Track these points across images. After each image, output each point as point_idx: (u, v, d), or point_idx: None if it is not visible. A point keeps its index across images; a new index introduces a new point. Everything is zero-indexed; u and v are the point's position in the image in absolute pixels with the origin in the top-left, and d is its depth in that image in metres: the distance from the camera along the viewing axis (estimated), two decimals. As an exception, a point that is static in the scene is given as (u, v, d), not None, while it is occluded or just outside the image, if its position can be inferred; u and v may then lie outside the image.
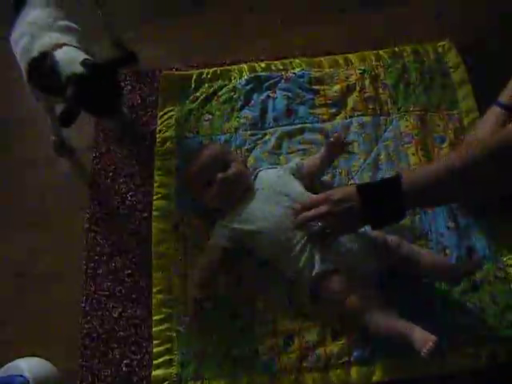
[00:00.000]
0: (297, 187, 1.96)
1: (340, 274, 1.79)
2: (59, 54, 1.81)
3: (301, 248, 1.83)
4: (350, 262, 1.81)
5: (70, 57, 1.82)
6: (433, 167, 1.63)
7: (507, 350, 1.81)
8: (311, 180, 2.06)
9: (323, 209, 1.69)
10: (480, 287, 1.91)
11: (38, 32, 1.89)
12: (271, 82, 2.37)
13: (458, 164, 1.57)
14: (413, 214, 2.02)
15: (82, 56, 1.83)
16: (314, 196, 1.79)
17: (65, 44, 1.85)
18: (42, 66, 1.84)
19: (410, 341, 1.63)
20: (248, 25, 2.68)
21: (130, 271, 2.06)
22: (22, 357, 1.90)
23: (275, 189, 1.94)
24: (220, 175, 1.95)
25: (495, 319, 1.86)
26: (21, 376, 1.78)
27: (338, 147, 2.04)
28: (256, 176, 2.03)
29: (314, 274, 1.81)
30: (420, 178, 1.61)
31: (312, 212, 1.72)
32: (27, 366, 1.84)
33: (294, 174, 2.02)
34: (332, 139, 2.02)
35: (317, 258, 1.81)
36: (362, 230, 1.81)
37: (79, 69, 1.78)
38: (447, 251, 1.97)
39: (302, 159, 2.14)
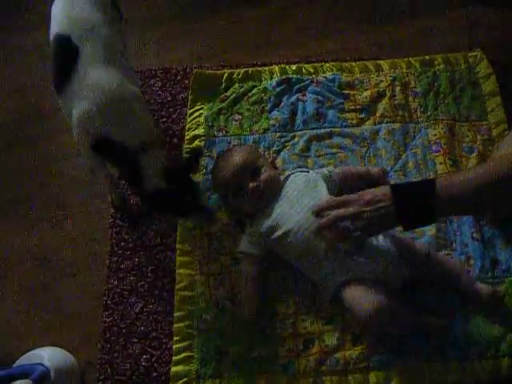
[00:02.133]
0: (324, 192, 1.95)
1: (363, 283, 1.79)
2: (145, 160, 1.77)
3: (326, 254, 1.83)
4: (374, 272, 1.80)
5: (156, 166, 1.78)
6: (469, 175, 1.62)
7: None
8: (340, 189, 2.04)
9: (353, 209, 1.67)
10: (505, 298, 1.89)
11: (105, 101, 1.75)
12: (302, 84, 2.38)
13: (494, 175, 1.57)
14: (439, 222, 2.01)
15: (163, 159, 1.81)
16: (344, 196, 1.75)
17: (147, 144, 1.80)
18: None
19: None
20: (280, 27, 2.69)
21: (153, 267, 2.07)
22: (44, 346, 1.92)
23: (303, 193, 1.94)
24: (251, 184, 1.94)
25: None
26: (41, 365, 1.79)
27: (382, 178, 2.04)
28: (287, 179, 2.03)
29: (337, 281, 1.82)
30: (455, 185, 1.60)
31: (342, 210, 1.69)
32: (48, 355, 1.86)
33: (324, 180, 2.01)
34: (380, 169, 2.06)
35: (341, 265, 1.82)
36: (391, 234, 1.82)
37: (162, 184, 1.76)
38: (471, 261, 1.96)
39: (328, 163, 2.16)
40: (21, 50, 2.71)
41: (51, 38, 1.87)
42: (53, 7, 1.92)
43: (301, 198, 1.92)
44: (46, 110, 2.49)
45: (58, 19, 1.86)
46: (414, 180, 2.11)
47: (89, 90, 1.74)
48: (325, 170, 2.06)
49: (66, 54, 1.80)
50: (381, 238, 1.86)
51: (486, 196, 1.60)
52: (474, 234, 2.00)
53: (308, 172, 2.06)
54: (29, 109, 2.51)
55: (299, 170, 2.09)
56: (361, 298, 1.76)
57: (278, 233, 1.89)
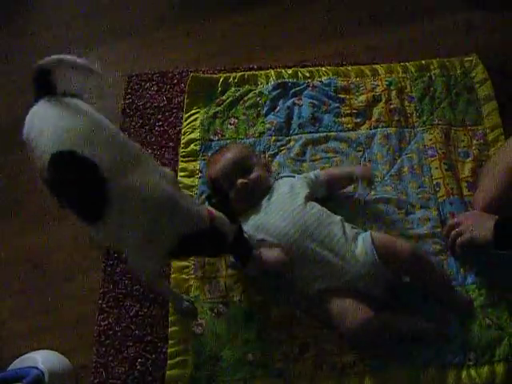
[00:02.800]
0: (299, 201, 1.95)
1: (346, 294, 1.80)
2: (221, 226, 1.69)
3: (303, 263, 1.85)
4: (354, 279, 1.82)
5: (225, 221, 1.71)
6: None
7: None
8: (329, 190, 2.07)
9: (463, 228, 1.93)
10: (498, 304, 1.90)
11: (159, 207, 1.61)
12: (297, 88, 2.39)
13: None
14: (436, 227, 2.04)
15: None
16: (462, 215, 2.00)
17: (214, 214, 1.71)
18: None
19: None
20: (277, 32, 2.70)
21: (148, 271, 2.06)
22: (38, 349, 1.91)
23: (284, 201, 1.95)
24: (240, 181, 1.96)
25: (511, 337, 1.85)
26: (36, 368, 1.78)
27: (365, 174, 2.06)
28: (273, 184, 2.04)
29: (316, 288, 1.84)
30: None
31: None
32: (42, 358, 1.85)
33: (309, 184, 2.02)
34: (363, 167, 2.07)
35: (318, 273, 1.84)
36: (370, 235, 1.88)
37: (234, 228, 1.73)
38: (467, 266, 1.97)
39: (324, 168, 2.17)
40: (21, 50, 2.72)
41: (43, 160, 1.58)
42: (32, 121, 1.67)
43: (280, 206, 1.94)
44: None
45: (53, 135, 1.59)
46: (409, 185, 2.15)
47: (139, 202, 1.58)
48: (311, 175, 2.06)
49: (84, 174, 1.57)
50: (360, 242, 1.87)
51: None
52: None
53: (293, 177, 2.07)
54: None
55: (285, 175, 2.11)
56: (346, 311, 1.78)
57: (259, 236, 1.90)
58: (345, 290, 1.81)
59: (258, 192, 2.00)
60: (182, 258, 1.96)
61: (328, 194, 2.06)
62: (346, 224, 1.93)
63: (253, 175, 2.00)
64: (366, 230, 1.94)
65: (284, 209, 1.92)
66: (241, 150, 2.10)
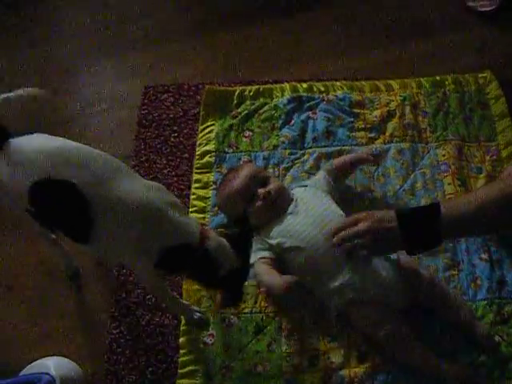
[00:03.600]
0: (333, 206, 1.97)
1: (368, 305, 1.81)
2: (215, 250, 1.64)
3: (334, 271, 1.84)
4: (380, 293, 1.82)
5: (224, 249, 1.67)
6: (472, 197, 1.64)
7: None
8: (340, 178, 2.11)
9: (363, 226, 1.70)
10: (509, 320, 1.89)
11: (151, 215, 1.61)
12: (312, 102, 2.40)
13: (497, 196, 1.58)
14: (447, 243, 2.01)
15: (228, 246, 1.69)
16: (355, 215, 1.78)
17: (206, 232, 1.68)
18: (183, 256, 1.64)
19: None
20: (292, 46, 2.72)
21: (160, 280, 2.07)
22: (50, 356, 1.92)
23: (311, 206, 1.96)
24: (261, 190, 1.97)
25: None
26: (47, 374, 1.79)
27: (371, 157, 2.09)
28: (293, 195, 2.05)
29: (342, 300, 1.84)
30: (459, 208, 1.62)
31: (353, 230, 1.73)
32: (54, 364, 1.86)
33: (324, 188, 2.04)
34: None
35: (349, 283, 1.83)
36: (395, 258, 1.84)
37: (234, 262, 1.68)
38: (478, 281, 1.96)
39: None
40: (37, 61, 2.77)
41: (21, 193, 1.58)
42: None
43: (308, 212, 1.94)
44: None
45: (34, 162, 1.57)
46: (422, 200, 2.14)
47: (121, 215, 1.57)
48: (320, 179, 2.08)
49: (64, 197, 1.58)
50: (385, 262, 1.87)
51: (489, 216, 1.61)
52: (482, 255, 2.00)
53: (306, 186, 2.08)
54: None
55: (298, 185, 2.12)
56: (363, 322, 1.80)
57: (288, 245, 1.90)
58: (368, 301, 1.81)
59: (282, 201, 2.00)
60: (170, 274, 1.93)
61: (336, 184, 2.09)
62: None
63: (273, 185, 2.01)
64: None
65: (313, 215, 1.92)
66: (252, 165, 2.13)
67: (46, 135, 1.67)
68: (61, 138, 1.67)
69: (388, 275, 1.83)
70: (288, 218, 1.96)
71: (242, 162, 2.25)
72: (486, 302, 1.92)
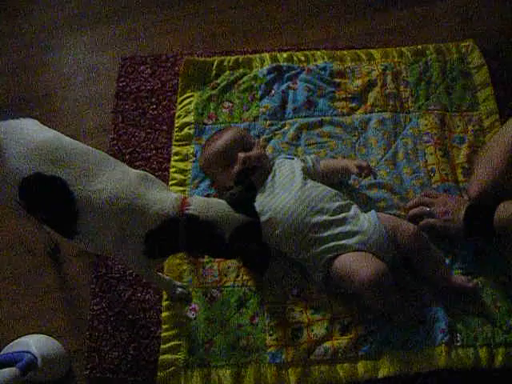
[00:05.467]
0: (300, 179, 1.95)
1: (354, 253, 1.82)
2: (199, 213, 1.58)
3: (312, 238, 1.85)
4: (363, 244, 1.84)
5: (212, 209, 1.60)
6: None
7: (505, 354, 1.81)
8: (323, 180, 2.05)
9: (438, 210, 1.96)
10: (482, 290, 1.90)
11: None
12: (292, 72, 2.37)
13: None
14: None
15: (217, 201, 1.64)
16: (433, 193, 2.03)
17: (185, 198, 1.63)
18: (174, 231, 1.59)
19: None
20: (272, 15, 2.67)
21: (141, 255, 2.05)
22: (31, 334, 1.91)
23: (287, 180, 1.95)
24: (242, 154, 1.97)
25: (495, 323, 1.86)
26: (29, 352, 1.78)
27: (363, 170, 2.00)
28: (273, 165, 2.04)
29: (327, 257, 1.84)
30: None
31: (428, 210, 1.98)
32: (35, 342, 1.85)
33: (304, 169, 2.01)
34: (362, 164, 1.98)
35: (331, 242, 1.84)
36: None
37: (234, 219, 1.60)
38: (455, 250, 1.97)
39: (318, 152, 2.17)
40: (14, 32, 2.72)
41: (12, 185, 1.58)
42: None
43: (284, 185, 1.94)
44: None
45: (17, 162, 1.56)
46: (404, 170, 2.14)
47: (103, 206, 1.55)
48: (309, 162, 2.05)
49: (54, 193, 1.57)
50: (366, 217, 1.89)
51: None
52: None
53: (293, 159, 2.07)
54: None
55: (284, 156, 2.10)
56: (356, 265, 1.78)
57: (264, 217, 1.88)
58: (356, 251, 1.82)
59: (260, 170, 2.00)
60: (166, 256, 1.86)
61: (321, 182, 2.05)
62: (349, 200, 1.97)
63: (255, 151, 2.01)
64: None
65: (289, 188, 1.92)
66: (239, 130, 2.11)
67: (34, 123, 1.65)
68: (48, 129, 1.64)
69: (372, 227, 1.85)
70: (266, 190, 1.95)
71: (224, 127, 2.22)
72: (460, 272, 1.94)
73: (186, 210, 1.57)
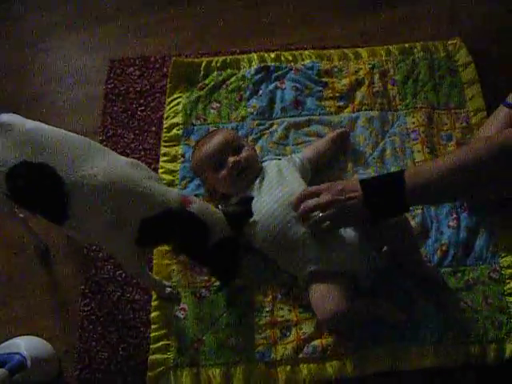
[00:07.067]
0: (295, 181, 1.96)
1: (329, 279, 1.80)
2: (201, 213, 1.63)
3: (296, 243, 1.84)
4: (343, 263, 1.81)
5: (212, 214, 1.67)
6: (436, 163, 1.64)
7: (497, 350, 1.82)
8: (315, 166, 2.07)
9: (326, 197, 1.70)
10: (473, 287, 1.91)
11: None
12: (280, 72, 2.37)
13: (462, 162, 1.58)
14: (416, 209, 2.03)
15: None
16: (316, 186, 1.79)
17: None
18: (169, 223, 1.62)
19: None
20: (260, 15, 2.68)
21: (130, 256, 2.06)
22: (20, 335, 1.91)
23: (274, 184, 1.95)
24: (231, 158, 1.97)
25: (487, 319, 1.86)
26: (18, 354, 1.78)
27: (343, 137, 2.05)
28: (261, 167, 2.04)
29: (308, 270, 1.83)
30: (423, 174, 1.62)
31: (314, 200, 1.73)
32: (25, 344, 1.85)
33: (295, 166, 2.02)
34: (339, 130, 2.01)
35: (310, 256, 1.83)
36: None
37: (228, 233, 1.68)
38: (443, 248, 1.98)
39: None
40: (3, 34, 2.72)
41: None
42: None
43: (271, 189, 1.93)
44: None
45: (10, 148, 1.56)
46: (392, 168, 2.13)
47: (94, 190, 1.55)
48: (296, 159, 2.05)
49: (43, 180, 1.57)
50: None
51: (453, 182, 1.61)
52: (451, 222, 2.02)
53: (280, 160, 2.07)
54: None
55: (271, 157, 2.11)
56: (322, 300, 1.78)
57: (251, 219, 1.88)
58: (331, 275, 1.80)
59: (250, 172, 2.00)
60: (154, 246, 1.91)
61: (314, 174, 2.06)
62: None
63: (244, 154, 2.00)
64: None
65: (274, 192, 1.91)
66: (230, 132, 2.12)
67: (16, 116, 1.63)
68: (30, 120, 1.63)
69: (351, 238, 1.83)
70: (253, 192, 1.95)
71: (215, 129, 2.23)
72: (451, 269, 1.94)
73: (189, 207, 1.61)
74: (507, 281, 1.93)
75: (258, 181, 1.98)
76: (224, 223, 1.67)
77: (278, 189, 1.92)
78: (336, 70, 2.38)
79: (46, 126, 1.63)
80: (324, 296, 1.77)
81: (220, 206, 1.83)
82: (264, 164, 2.06)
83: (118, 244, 1.66)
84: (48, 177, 1.54)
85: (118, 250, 1.73)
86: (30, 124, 1.61)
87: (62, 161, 1.54)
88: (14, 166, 1.53)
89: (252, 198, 1.83)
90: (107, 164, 1.58)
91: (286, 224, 1.84)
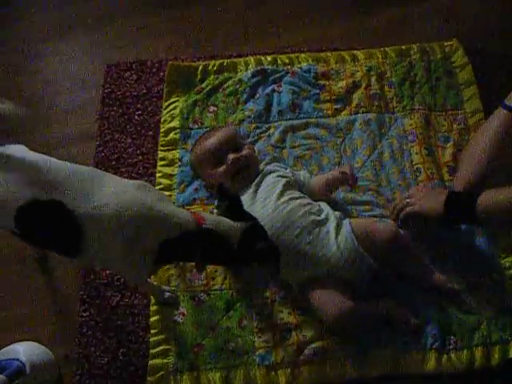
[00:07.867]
0: (279, 192, 1.93)
1: (327, 285, 1.81)
2: (216, 227, 1.63)
3: (289, 250, 1.84)
4: (335, 269, 1.82)
5: (224, 223, 1.65)
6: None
7: (501, 352, 1.82)
8: (313, 197, 2.03)
9: (415, 188, 2.01)
10: (475, 289, 1.91)
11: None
12: (277, 75, 2.37)
13: None
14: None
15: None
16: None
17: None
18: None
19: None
20: (256, 19, 2.68)
21: (129, 261, 2.05)
22: (19, 341, 1.90)
23: (268, 190, 1.94)
24: (231, 155, 1.97)
25: (490, 321, 1.86)
26: (17, 360, 1.78)
27: (349, 179, 1.99)
28: (262, 169, 2.04)
29: (304, 277, 1.85)
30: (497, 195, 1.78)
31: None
32: (24, 350, 1.85)
33: (293, 184, 2.00)
34: (346, 170, 1.99)
35: (303, 264, 1.84)
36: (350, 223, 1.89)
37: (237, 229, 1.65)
38: (446, 250, 1.97)
39: (304, 154, 2.19)
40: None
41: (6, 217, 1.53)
42: None
43: (265, 195, 1.93)
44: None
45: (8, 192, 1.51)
46: (390, 171, 2.15)
47: (107, 219, 1.52)
48: (300, 178, 2.04)
49: (53, 217, 1.54)
50: (341, 230, 1.87)
51: None
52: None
53: (285, 169, 2.06)
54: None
55: (276, 165, 2.09)
56: (324, 304, 1.79)
57: None
58: (329, 280, 1.81)
59: (248, 172, 2.00)
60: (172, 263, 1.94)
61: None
62: (329, 209, 1.94)
63: (245, 152, 2.01)
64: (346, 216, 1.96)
65: (268, 199, 1.91)
66: (231, 129, 2.13)
67: (20, 148, 1.61)
68: (33, 153, 1.60)
69: (342, 248, 1.83)
70: (249, 194, 1.95)
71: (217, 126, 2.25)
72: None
73: (204, 224, 1.60)
74: (509, 281, 1.93)
75: (254, 184, 1.97)
76: (234, 225, 1.65)
77: (269, 197, 1.91)
78: (333, 72, 2.38)
79: (51, 159, 1.60)
80: (326, 300, 1.78)
81: (216, 210, 1.88)
82: (267, 168, 2.05)
83: (135, 269, 1.65)
84: (59, 212, 1.51)
85: (136, 274, 1.72)
86: (37, 158, 1.58)
87: (71, 194, 1.52)
88: (23, 205, 1.50)
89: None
90: (116, 190, 1.57)
91: (278, 232, 1.84)
